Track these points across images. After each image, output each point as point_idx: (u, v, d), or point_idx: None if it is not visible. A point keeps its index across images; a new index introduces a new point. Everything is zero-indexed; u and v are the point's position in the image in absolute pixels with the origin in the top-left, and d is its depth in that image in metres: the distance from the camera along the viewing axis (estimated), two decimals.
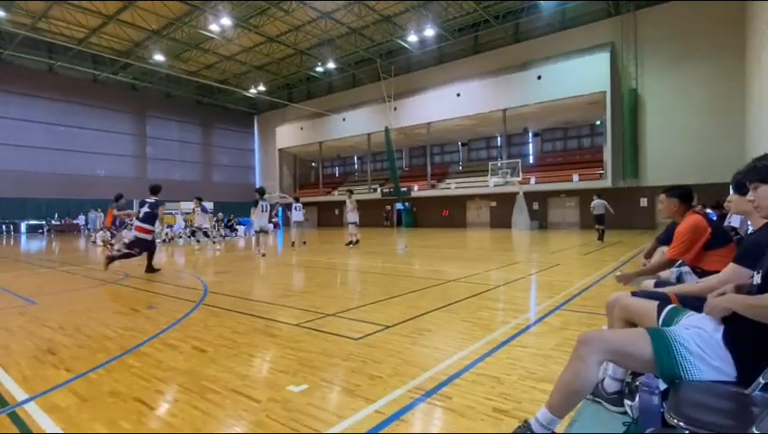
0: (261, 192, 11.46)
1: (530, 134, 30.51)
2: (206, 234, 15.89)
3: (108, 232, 12.87)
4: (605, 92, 22.32)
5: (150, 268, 7.70)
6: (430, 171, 30.54)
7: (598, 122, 26.42)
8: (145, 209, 7.72)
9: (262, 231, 11.55)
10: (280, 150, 39.32)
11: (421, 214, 31.17)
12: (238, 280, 6.96)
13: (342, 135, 33.87)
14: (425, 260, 10.03)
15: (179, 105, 37.31)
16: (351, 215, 13.71)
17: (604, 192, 22.29)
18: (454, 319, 4.20)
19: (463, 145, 34.07)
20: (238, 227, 22.93)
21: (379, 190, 32.93)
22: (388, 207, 33.10)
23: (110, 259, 7.59)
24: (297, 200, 15.03)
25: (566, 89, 23.11)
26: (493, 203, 28.03)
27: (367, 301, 5.07)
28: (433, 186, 30.63)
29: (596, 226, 14.94)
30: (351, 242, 13.72)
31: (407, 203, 31.36)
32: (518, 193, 24.45)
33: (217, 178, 39.35)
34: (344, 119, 33.71)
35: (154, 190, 7.89)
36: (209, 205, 24.54)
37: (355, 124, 32.90)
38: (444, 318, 4.25)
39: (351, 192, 14.09)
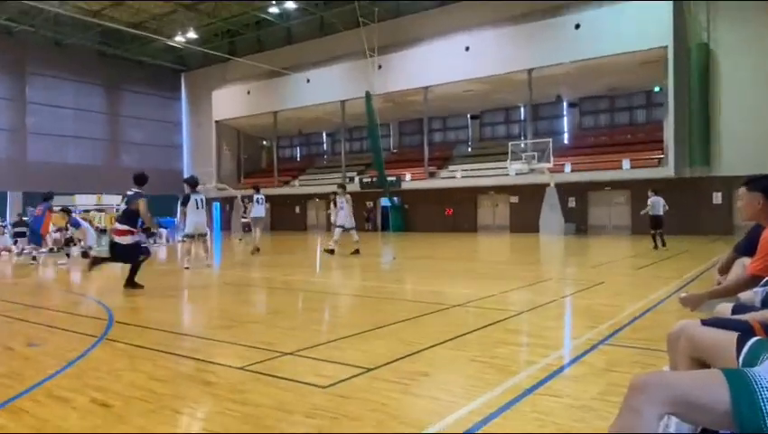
0: (193, 182, 11.64)
1: (565, 104, 30.98)
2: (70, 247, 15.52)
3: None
4: (666, 48, 22.83)
5: (131, 282, 8.11)
6: (428, 154, 30.78)
7: (657, 89, 26.96)
8: (122, 205, 8.22)
9: (199, 234, 11.66)
10: (218, 123, 39.08)
11: (415, 213, 31.34)
12: (158, 305, 6.90)
13: (306, 102, 33.85)
14: (420, 277, 10.05)
15: (74, 58, 36.71)
16: (343, 216, 14.60)
17: (664, 184, 22.70)
18: (460, 358, 4.23)
19: (473, 118, 34.44)
20: (157, 231, 22.68)
21: (356, 180, 32.98)
22: (370, 203, 33.19)
23: (95, 261, 8.35)
24: (258, 190, 15.78)
25: (613, 44, 23.55)
26: (514, 199, 28.36)
27: (340, 334, 5.07)
28: (431, 175, 30.82)
29: (652, 231, 15.55)
30: (331, 251, 14.70)
31: (395, 198, 31.49)
32: (548, 185, 24.78)
33: (128, 161, 38.76)
34: (308, 81, 33.69)
35: (139, 180, 8.23)
36: (112, 200, 24.12)
37: (324, 87, 32.91)
38: (448, 357, 4.27)
39: (343, 187, 15.03)
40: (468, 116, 34.57)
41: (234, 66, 38.11)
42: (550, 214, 24.57)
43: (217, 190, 37.84)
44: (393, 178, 30.90)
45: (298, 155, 43.56)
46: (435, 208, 30.18)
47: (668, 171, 22.99)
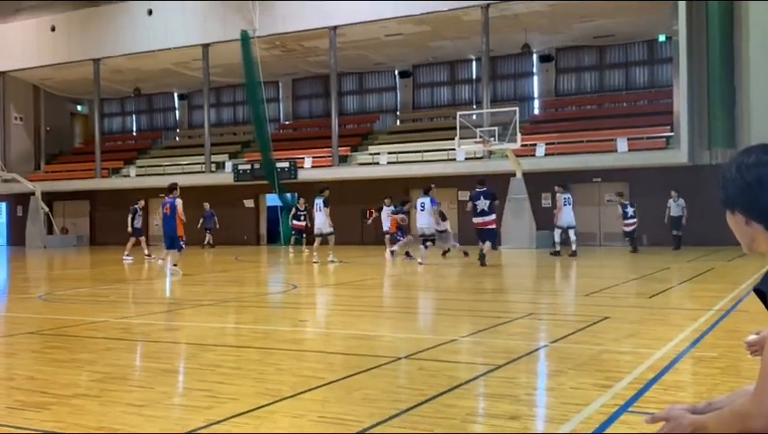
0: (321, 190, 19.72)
1: (535, 57, 31.89)
2: None
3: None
4: None
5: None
6: (337, 128, 30.79)
7: (662, 38, 28.34)
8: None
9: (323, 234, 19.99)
10: (4, 76, 37.31)
11: None
12: None
13: (147, 46, 32.89)
14: (338, 316, 9.95)
15: None
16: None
17: (675, 172, 23.95)
18: None
19: (403, 76, 34.79)
20: None
21: (229, 166, 32.34)
22: (249, 203, 32.63)
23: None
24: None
25: None
26: (465, 196, 28.84)
27: (228, 410, 4.85)
28: (343, 160, 30.81)
29: (674, 231, 22.04)
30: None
31: (288, 195, 31.07)
32: (513, 175, 25.39)
33: None
34: (151, 12, 32.76)
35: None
36: None
37: (176, 23, 32.10)
38: None
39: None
40: (396, 72, 34.81)
41: None
42: (516, 218, 25.14)
43: (1, 182, 35.92)
44: (285, 164, 30.57)
45: (134, 128, 42.19)
46: (349, 210, 30.08)
47: (679, 155, 24.23)
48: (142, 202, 25.00)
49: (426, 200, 19.21)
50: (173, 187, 16.91)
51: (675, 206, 22.80)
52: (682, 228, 22.75)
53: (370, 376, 5.87)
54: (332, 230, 20.06)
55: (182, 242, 16.77)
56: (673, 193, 22.84)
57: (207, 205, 29.86)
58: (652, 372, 5.79)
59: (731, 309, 9.37)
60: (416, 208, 19.75)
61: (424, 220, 19.03)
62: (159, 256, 17.99)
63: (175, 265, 16.67)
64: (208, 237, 30.18)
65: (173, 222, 16.51)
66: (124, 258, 22.24)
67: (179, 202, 16.42)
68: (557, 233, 21.39)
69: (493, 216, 18.23)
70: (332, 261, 19.84)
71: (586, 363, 6.25)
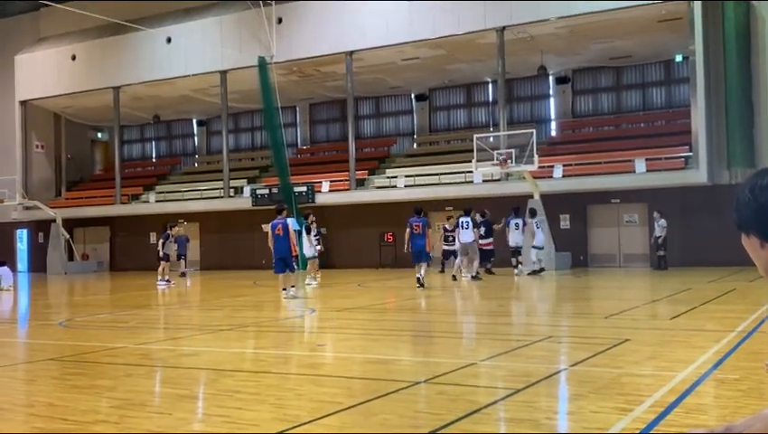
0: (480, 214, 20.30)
1: (551, 79, 31.91)
2: None
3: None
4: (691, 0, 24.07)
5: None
6: (354, 152, 30.92)
7: (679, 58, 28.29)
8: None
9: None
10: (25, 104, 37.72)
11: (337, 241, 31.14)
12: None
13: (166, 73, 33.28)
14: (354, 340, 9.91)
15: None
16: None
17: (694, 192, 23.82)
18: None
19: (419, 99, 34.90)
20: None
21: (247, 191, 32.50)
22: (267, 227, 32.60)
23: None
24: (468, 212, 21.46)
25: None
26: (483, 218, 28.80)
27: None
28: (360, 183, 30.87)
29: (658, 252, 23.21)
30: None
31: (305, 219, 31.07)
32: (531, 196, 25.31)
33: None
34: (170, 40, 33.08)
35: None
36: None
37: (194, 50, 32.39)
38: None
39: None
40: (412, 96, 34.92)
41: (51, 15, 36.84)
42: (534, 240, 24.98)
43: (23, 209, 36.25)
44: (303, 188, 30.67)
45: (153, 154, 42.52)
46: (367, 233, 30.16)
47: (698, 175, 24.01)
48: (176, 229, 24.87)
49: (519, 220, 22.47)
50: (281, 209, 16.92)
51: (657, 227, 23.48)
52: (664, 247, 23.47)
53: (389, 401, 5.84)
54: (313, 254, 21.26)
55: (295, 264, 16.60)
56: (655, 214, 23.70)
57: (181, 230, 29.26)
58: (674, 395, 5.72)
59: (754, 330, 9.24)
60: (508, 227, 22.61)
61: (519, 237, 22.42)
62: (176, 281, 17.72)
63: (293, 286, 16.50)
64: (182, 263, 28.32)
65: (286, 243, 16.15)
66: (158, 283, 22.43)
67: (291, 221, 16.13)
68: (534, 253, 22.76)
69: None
70: (308, 283, 20.53)
71: (607, 387, 6.19)
